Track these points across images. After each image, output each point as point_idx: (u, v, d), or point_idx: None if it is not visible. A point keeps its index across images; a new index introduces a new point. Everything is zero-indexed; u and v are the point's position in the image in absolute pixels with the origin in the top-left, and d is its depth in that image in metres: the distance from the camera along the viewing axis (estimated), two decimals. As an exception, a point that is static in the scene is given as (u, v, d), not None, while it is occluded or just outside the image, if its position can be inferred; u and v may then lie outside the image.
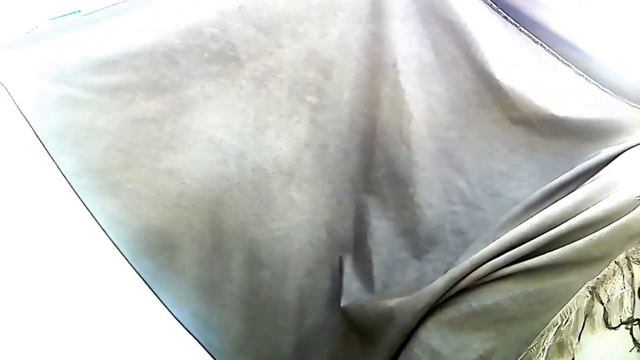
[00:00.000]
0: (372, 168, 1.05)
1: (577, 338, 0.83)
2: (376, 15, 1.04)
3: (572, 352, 0.83)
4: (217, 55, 0.96)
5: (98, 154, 0.89)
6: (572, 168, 0.87)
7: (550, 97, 0.97)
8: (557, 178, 0.86)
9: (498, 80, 0.99)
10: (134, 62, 0.91)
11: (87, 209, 0.86)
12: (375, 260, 1.01)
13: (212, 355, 0.93)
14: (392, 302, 0.88)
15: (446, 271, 0.85)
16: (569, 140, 0.96)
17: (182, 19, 0.95)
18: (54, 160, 0.85)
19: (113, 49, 0.90)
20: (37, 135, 0.84)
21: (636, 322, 0.84)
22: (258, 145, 0.99)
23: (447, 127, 1.03)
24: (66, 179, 0.86)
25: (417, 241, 1.00)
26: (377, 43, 1.03)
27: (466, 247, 0.91)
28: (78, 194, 0.86)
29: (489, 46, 1.00)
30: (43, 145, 0.85)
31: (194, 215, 0.94)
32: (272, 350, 1.00)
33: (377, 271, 1.00)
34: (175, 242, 0.92)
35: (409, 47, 1.02)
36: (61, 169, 0.86)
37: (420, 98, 1.02)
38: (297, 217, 1.03)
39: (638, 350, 0.84)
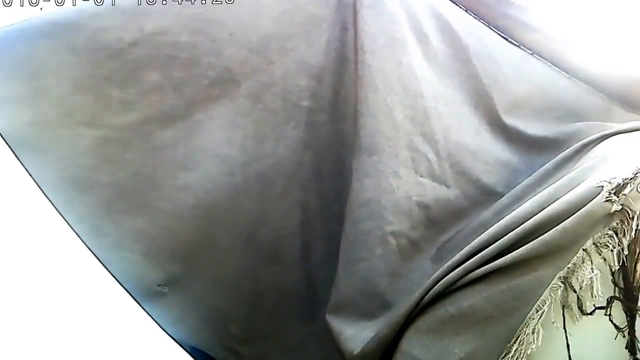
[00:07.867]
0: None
1: (562, 328, 0.82)
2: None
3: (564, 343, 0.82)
4: (215, 80, 1.07)
5: (129, 180, 1.06)
6: (530, 161, 0.85)
7: (521, 82, 0.93)
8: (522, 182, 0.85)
9: (471, 58, 0.97)
10: (148, 99, 1.05)
11: (121, 227, 1.05)
12: (342, 235, 1.03)
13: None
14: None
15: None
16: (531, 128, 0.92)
17: (181, 53, 1.06)
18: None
19: (129, 89, 1.04)
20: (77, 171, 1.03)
21: (607, 306, 0.81)
22: (259, 154, 1.09)
23: (416, 96, 1.01)
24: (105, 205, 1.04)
25: (380, 211, 0.99)
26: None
27: (428, 225, 0.93)
28: (113, 216, 1.04)
29: (462, 30, 0.97)
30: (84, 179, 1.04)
31: (209, 223, 1.08)
32: (290, 338, 1.12)
33: (343, 247, 1.02)
34: (195, 248, 1.07)
35: (377, 29, 1.02)
36: (101, 197, 1.04)
37: (388, 70, 1.01)
38: (303, 214, 1.12)
39: (624, 336, 0.81)
